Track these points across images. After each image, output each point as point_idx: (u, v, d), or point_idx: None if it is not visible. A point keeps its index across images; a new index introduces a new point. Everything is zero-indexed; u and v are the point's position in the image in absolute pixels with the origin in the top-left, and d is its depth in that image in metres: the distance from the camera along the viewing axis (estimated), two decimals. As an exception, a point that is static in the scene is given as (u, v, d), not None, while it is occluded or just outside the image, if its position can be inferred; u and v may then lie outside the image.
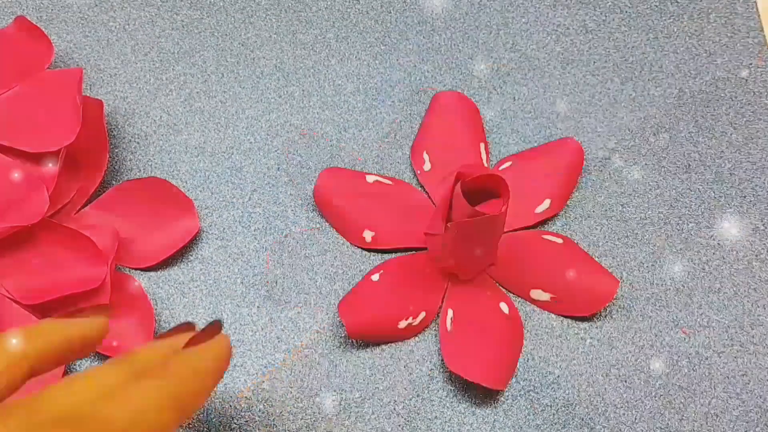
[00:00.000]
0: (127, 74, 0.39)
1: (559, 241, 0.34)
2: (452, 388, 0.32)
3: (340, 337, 0.33)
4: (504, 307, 0.33)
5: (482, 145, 0.36)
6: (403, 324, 0.33)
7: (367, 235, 0.34)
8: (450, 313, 0.33)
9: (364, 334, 0.32)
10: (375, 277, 0.33)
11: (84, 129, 0.34)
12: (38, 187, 0.33)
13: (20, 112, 0.35)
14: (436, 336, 0.33)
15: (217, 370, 0.24)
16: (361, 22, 0.40)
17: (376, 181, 0.35)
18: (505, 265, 0.34)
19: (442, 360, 0.33)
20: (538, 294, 0.33)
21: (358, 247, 0.35)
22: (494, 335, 0.32)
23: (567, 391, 0.32)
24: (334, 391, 0.32)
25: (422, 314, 0.33)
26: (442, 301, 0.33)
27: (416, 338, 0.33)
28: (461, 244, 0.31)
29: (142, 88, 0.38)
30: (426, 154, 0.36)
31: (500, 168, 0.36)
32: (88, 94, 0.37)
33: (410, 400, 0.32)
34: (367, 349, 0.33)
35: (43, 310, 0.33)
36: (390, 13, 0.40)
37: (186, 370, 0.23)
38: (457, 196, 0.30)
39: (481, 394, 0.32)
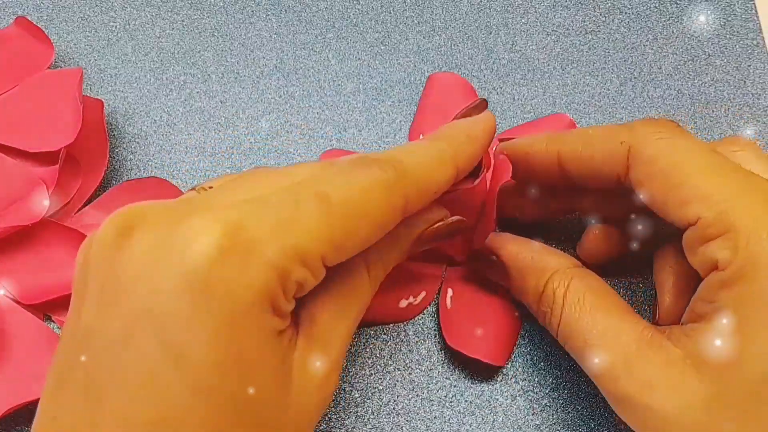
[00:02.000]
0: (128, 74, 0.39)
1: None
2: (452, 388, 0.32)
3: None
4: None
5: None
6: (404, 303, 0.33)
7: None
8: (450, 292, 0.33)
9: (367, 316, 0.32)
10: None
11: (84, 129, 0.34)
12: (38, 186, 0.33)
13: (20, 111, 0.35)
14: (436, 336, 0.33)
15: (486, 138, 0.28)
16: (361, 23, 0.40)
17: None
18: None
19: (442, 360, 0.33)
20: None
21: None
22: (493, 312, 0.33)
23: (567, 392, 0.32)
24: (334, 390, 0.32)
25: (422, 294, 0.33)
26: (442, 282, 0.34)
27: (416, 339, 0.33)
28: None
29: (142, 88, 0.38)
30: (422, 136, 0.36)
31: (494, 148, 0.36)
32: (88, 94, 0.37)
33: (410, 399, 0.32)
34: (366, 348, 0.33)
35: (44, 309, 0.33)
36: (390, 13, 0.40)
37: (460, 134, 0.27)
38: None
39: (481, 394, 0.32)
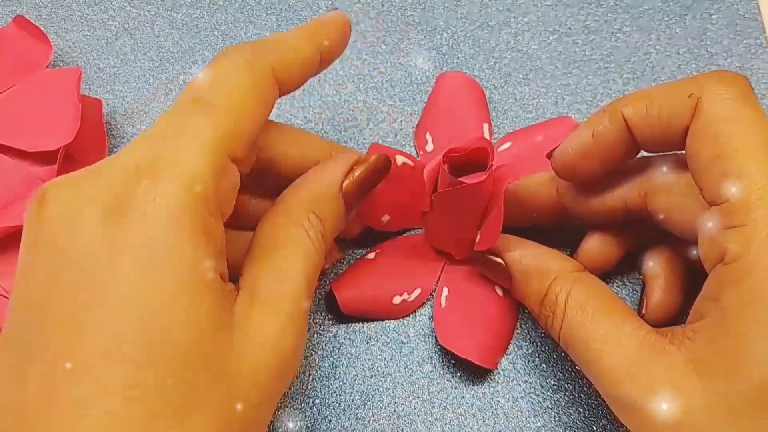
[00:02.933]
0: (127, 74, 0.38)
1: None
2: (453, 390, 0.32)
3: (340, 340, 0.33)
4: (499, 290, 0.33)
5: (486, 126, 0.36)
6: (398, 300, 0.33)
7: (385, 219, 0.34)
8: (445, 291, 0.33)
9: (359, 310, 0.33)
10: (371, 256, 0.34)
11: (83, 128, 0.33)
12: (36, 186, 0.33)
13: (19, 111, 0.35)
14: (437, 338, 0.33)
15: (339, 20, 0.29)
16: (362, 22, 0.40)
17: (404, 163, 0.34)
18: None
19: (444, 362, 0.33)
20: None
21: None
22: (487, 314, 0.32)
23: (568, 394, 0.32)
24: (334, 392, 0.32)
25: (417, 290, 0.33)
26: (438, 280, 0.33)
27: (417, 341, 0.33)
28: (446, 218, 0.32)
29: (141, 88, 0.38)
30: (429, 134, 0.36)
31: (499, 149, 0.36)
32: (87, 94, 0.37)
33: (410, 402, 0.32)
34: (367, 350, 0.33)
35: None
36: (391, 12, 0.40)
37: (314, 21, 0.28)
38: (441, 170, 0.30)
39: (482, 396, 0.32)
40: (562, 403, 0.32)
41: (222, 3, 0.40)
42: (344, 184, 0.28)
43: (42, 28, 0.36)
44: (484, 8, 0.40)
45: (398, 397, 0.32)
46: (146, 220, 0.21)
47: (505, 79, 0.39)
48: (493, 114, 0.38)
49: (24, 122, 0.35)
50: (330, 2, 0.40)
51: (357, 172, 0.28)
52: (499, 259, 0.31)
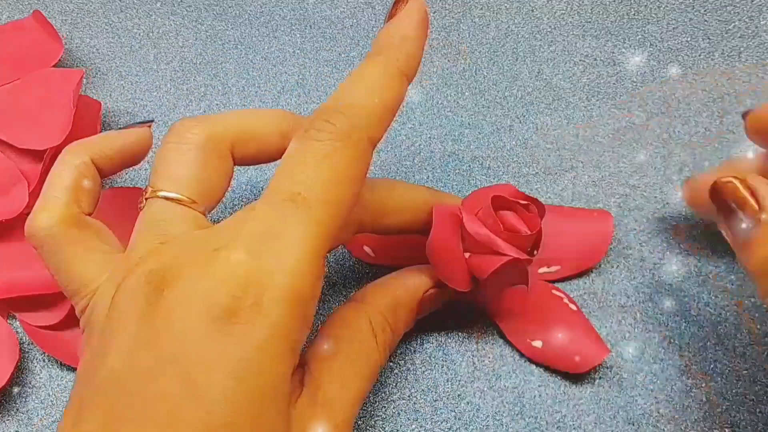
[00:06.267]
0: (148, 82, 0.38)
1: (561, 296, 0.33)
2: (456, 421, 0.32)
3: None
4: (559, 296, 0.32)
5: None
6: (538, 342, 0.32)
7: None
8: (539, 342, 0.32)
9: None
10: None
11: (78, 128, 0.34)
12: (20, 182, 0.33)
13: (17, 105, 0.35)
14: (442, 366, 0.33)
15: (420, 29, 0.27)
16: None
17: None
18: (510, 312, 0.33)
19: (448, 391, 0.32)
20: (536, 343, 0.33)
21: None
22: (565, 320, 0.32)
23: (572, 431, 0.32)
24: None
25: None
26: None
27: (423, 369, 0.33)
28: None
29: (162, 97, 0.38)
30: None
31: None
32: (108, 101, 0.37)
33: (412, 430, 0.32)
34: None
35: (8, 308, 0.33)
36: (415, 34, 0.40)
37: (394, 39, 0.27)
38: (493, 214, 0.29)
39: (486, 429, 0.32)
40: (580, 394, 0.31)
41: (247, 17, 0.40)
42: (424, 296, 0.30)
43: (66, 34, 0.36)
44: (511, 35, 0.40)
45: (400, 425, 0.32)
46: (249, 333, 0.22)
47: (527, 107, 0.38)
48: (513, 143, 0.37)
49: (19, 117, 0.35)
50: (354, 20, 0.40)
51: (434, 291, 0.30)
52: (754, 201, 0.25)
